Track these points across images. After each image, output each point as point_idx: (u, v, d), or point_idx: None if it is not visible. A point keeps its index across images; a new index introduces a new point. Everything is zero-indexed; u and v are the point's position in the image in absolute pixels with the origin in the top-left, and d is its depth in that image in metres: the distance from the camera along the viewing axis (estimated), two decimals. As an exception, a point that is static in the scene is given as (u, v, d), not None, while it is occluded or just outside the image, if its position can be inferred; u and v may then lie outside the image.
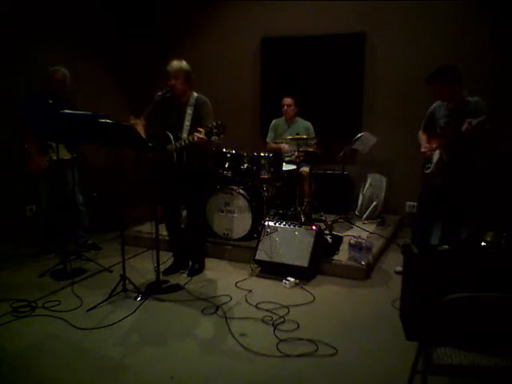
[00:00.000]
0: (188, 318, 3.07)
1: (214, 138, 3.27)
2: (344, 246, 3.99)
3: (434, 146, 3.51)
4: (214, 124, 3.22)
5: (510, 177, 4.49)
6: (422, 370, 1.78)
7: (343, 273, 3.77)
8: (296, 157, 4.49)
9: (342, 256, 3.88)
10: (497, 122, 4.18)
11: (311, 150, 4.56)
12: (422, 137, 3.66)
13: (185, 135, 3.42)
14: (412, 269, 2.48)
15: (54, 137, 3.68)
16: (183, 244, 3.90)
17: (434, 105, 3.59)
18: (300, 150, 4.45)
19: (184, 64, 3.47)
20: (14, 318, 3.02)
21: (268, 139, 5.08)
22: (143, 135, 3.30)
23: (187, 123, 3.47)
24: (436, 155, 3.47)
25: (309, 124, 4.91)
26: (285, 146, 4.79)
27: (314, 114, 5.07)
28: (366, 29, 5.17)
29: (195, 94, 3.55)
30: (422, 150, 3.58)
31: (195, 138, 3.26)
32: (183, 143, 3.35)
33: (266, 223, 3.98)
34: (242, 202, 4.18)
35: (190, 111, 3.49)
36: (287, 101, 4.86)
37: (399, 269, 3.84)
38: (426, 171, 3.57)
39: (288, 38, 5.49)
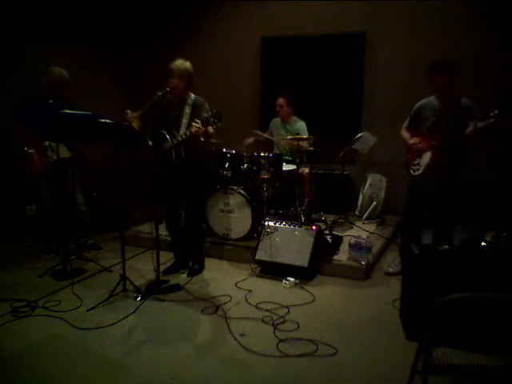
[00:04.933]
0: (188, 318, 3.07)
1: (210, 128, 3.31)
2: (344, 246, 3.98)
3: (424, 146, 3.42)
4: (210, 113, 3.25)
5: (510, 177, 4.49)
6: (422, 369, 1.78)
7: (343, 273, 3.77)
8: (295, 156, 4.51)
9: (342, 256, 3.88)
10: (497, 122, 4.17)
11: (310, 148, 4.57)
12: (406, 135, 3.59)
13: (181, 132, 3.43)
14: (412, 269, 2.48)
15: (54, 137, 3.68)
16: (183, 244, 3.90)
17: (420, 103, 3.52)
18: (298, 149, 4.48)
19: (189, 65, 3.49)
20: (14, 317, 3.02)
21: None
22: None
23: (185, 121, 3.48)
24: (426, 157, 3.39)
25: (302, 123, 4.91)
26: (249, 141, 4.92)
27: (313, 113, 5.08)
28: (366, 29, 5.17)
29: (193, 95, 3.57)
30: (411, 142, 3.45)
31: (192, 130, 3.28)
32: (180, 138, 3.36)
33: (266, 223, 3.98)
34: (241, 202, 4.18)
35: (187, 110, 3.50)
36: (279, 101, 4.91)
37: (391, 270, 3.83)
38: (415, 173, 3.48)
39: (288, 38, 5.49)
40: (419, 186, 3.53)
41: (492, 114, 3.03)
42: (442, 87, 3.29)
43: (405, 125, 3.66)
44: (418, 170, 3.46)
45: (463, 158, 3.37)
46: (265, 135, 4.99)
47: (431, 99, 3.45)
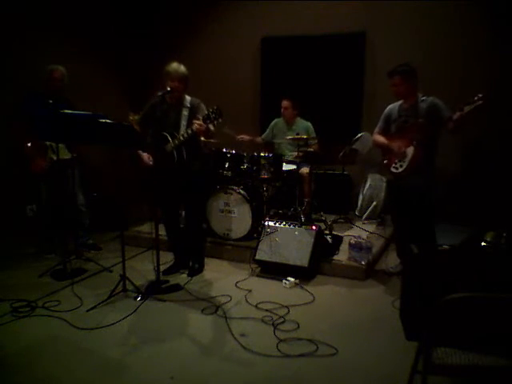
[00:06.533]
0: (188, 318, 3.07)
1: (211, 125, 3.30)
2: (344, 246, 3.99)
3: (403, 144, 3.43)
4: (211, 110, 3.26)
5: (510, 177, 4.49)
6: (422, 370, 1.78)
7: (343, 273, 3.77)
8: (296, 157, 4.51)
9: (342, 256, 3.88)
10: (496, 122, 4.18)
11: (311, 150, 4.56)
12: (381, 138, 3.63)
13: (182, 132, 3.44)
14: (412, 269, 2.48)
15: (54, 137, 3.68)
16: (183, 244, 3.90)
17: (389, 107, 3.63)
18: (300, 150, 4.47)
19: (184, 67, 3.51)
20: (14, 317, 3.02)
21: (262, 135, 5.17)
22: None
23: (184, 123, 3.50)
24: (409, 152, 3.40)
25: (309, 124, 4.92)
26: (243, 137, 4.87)
27: (314, 114, 5.07)
28: (366, 29, 5.17)
29: (188, 97, 3.59)
30: (396, 149, 3.45)
31: (194, 127, 3.28)
32: (181, 138, 3.37)
33: (266, 223, 3.98)
34: (241, 202, 4.18)
35: (185, 112, 3.52)
36: (284, 103, 4.90)
37: (391, 270, 3.82)
38: (398, 170, 3.46)
39: (288, 38, 5.49)
40: (400, 184, 3.53)
41: (476, 97, 3.04)
42: (394, 89, 3.46)
43: (376, 130, 3.71)
44: (401, 166, 3.46)
45: (433, 154, 3.43)
46: (247, 137, 4.93)
47: (398, 102, 3.57)
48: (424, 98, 3.40)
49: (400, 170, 3.46)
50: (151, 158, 3.56)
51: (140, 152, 3.61)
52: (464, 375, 1.92)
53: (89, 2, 5.46)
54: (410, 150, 3.40)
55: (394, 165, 3.50)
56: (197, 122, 3.28)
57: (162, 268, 3.65)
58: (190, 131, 3.33)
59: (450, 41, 4.80)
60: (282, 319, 3.00)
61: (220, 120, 3.28)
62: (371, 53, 5.20)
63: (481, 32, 4.68)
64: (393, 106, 3.60)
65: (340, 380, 2.39)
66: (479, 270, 2.07)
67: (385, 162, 3.59)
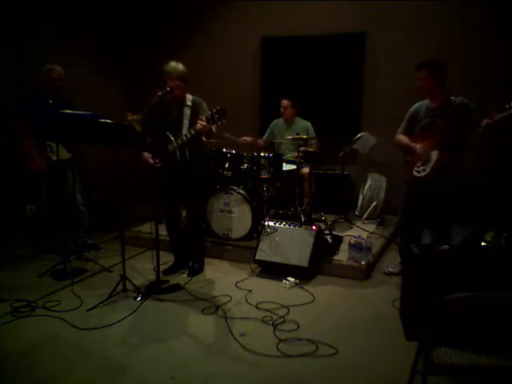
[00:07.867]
0: (188, 318, 3.07)
1: (214, 126, 3.30)
2: (344, 246, 3.99)
3: (428, 146, 3.34)
4: (214, 110, 3.26)
5: (510, 177, 4.49)
6: (422, 370, 1.78)
7: (343, 273, 3.77)
8: (296, 157, 4.51)
9: (342, 256, 3.88)
10: (497, 123, 4.15)
11: (311, 150, 4.57)
12: (404, 138, 3.51)
13: (185, 132, 3.44)
14: (412, 269, 2.48)
15: (54, 137, 3.68)
16: (183, 244, 3.90)
17: (414, 106, 3.51)
18: (300, 150, 4.47)
19: (183, 66, 3.50)
20: (14, 317, 3.02)
21: (263, 137, 5.17)
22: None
23: (186, 122, 3.49)
24: (434, 155, 3.30)
25: (308, 124, 4.92)
26: (245, 139, 4.86)
27: (314, 113, 5.08)
28: (366, 29, 5.17)
29: (190, 96, 3.58)
30: (420, 152, 3.34)
31: (198, 126, 3.28)
32: (184, 138, 3.37)
33: (266, 223, 3.98)
34: (241, 202, 4.18)
35: (187, 112, 3.51)
36: (284, 103, 4.91)
37: (391, 270, 3.83)
38: (420, 174, 3.36)
39: (288, 38, 5.49)
40: (421, 188, 3.43)
41: (508, 105, 2.97)
42: (419, 83, 3.34)
43: (400, 130, 3.60)
44: (424, 170, 3.35)
45: (458, 157, 3.35)
46: (249, 139, 4.92)
47: (425, 102, 3.45)
48: (453, 98, 3.27)
49: (423, 173, 3.34)
50: (152, 158, 3.55)
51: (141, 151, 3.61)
52: (464, 375, 1.92)
53: (88, 2, 5.46)
54: (435, 154, 3.28)
55: (416, 168, 3.39)
56: (200, 122, 3.28)
57: (162, 268, 3.65)
58: (192, 131, 3.33)
59: (450, 41, 4.80)
60: (282, 319, 3.00)
61: (224, 121, 3.28)
62: (371, 53, 5.21)
63: (482, 31, 4.68)
64: (419, 106, 3.46)
65: (340, 380, 2.39)
66: (479, 269, 2.07)
67: (407, 160, 3.48)
